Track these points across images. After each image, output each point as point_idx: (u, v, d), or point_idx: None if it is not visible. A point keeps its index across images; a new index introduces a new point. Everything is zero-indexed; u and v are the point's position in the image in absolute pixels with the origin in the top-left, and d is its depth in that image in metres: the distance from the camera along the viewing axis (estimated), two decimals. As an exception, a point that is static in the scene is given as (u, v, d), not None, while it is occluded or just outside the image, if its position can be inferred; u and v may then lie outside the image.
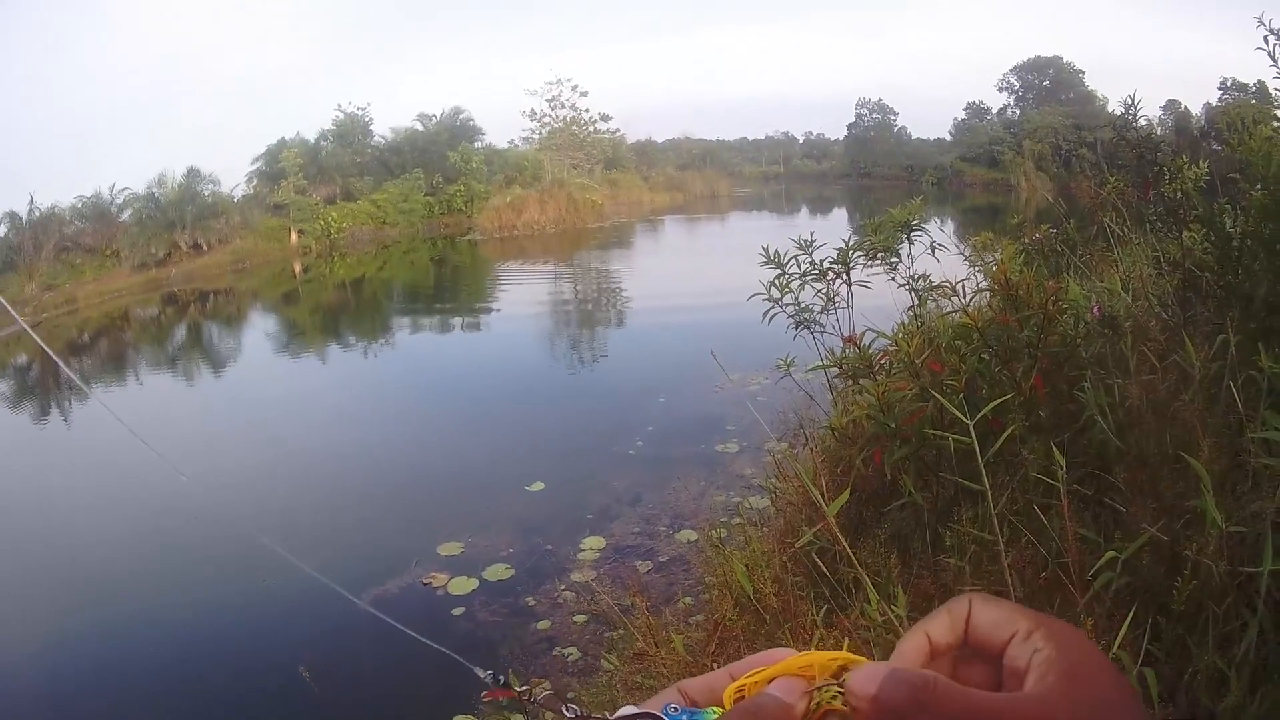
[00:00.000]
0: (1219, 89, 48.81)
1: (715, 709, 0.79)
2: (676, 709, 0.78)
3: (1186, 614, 3.16)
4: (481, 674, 0.82)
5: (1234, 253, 5.02)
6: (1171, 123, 45.53)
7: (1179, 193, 6.00)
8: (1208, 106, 48.58)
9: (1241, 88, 44.87)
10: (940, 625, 0.78)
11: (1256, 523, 3.14)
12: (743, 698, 0.77)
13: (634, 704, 0.79)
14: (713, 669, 0.82)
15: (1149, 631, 3.09)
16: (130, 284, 33.24)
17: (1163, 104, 48.50)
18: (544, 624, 7.70)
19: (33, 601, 8.91)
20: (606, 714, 0.76)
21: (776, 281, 7.40)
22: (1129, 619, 2.83)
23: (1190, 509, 3.44)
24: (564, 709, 0.79)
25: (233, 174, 44.57)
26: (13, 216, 31.86)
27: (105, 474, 12.49)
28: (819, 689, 0.76)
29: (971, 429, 3.39)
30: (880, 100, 76.96)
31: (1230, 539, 3.16)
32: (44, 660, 7.92)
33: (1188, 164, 6.12)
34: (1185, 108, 49.34)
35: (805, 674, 0.77)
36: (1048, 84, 65.21)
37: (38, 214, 32.76)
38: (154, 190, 37.42)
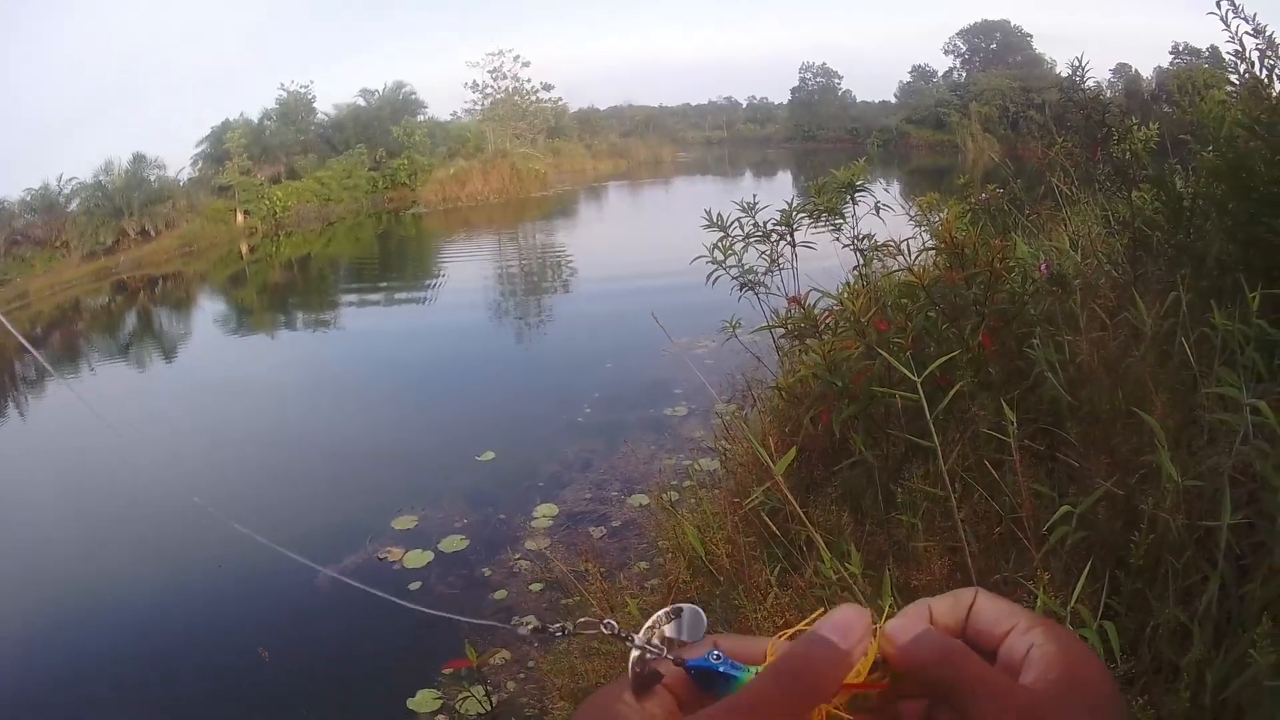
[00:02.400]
0: (1170, 53, 49.15)
1: (756, 667, 0.74)
2: (719, 657, 0.75)
3: (1145, 568, 3.20)
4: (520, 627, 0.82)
5: (1185, 212, 5.10)
6: (1121, 85, 45.87)
7: (1128, 153, 6.04)
8: (1159, 70, 48.91)
9: (1194, 52, 45.28)
10: (944, 605, 0.79)
11: (1213, 478, 3.17)
12: None
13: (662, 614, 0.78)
14: None
15: (1107, 586, 3.13)
16: (80, 274, 32.76)
17: (1112, 67, 48.86)
18: (500, 594, 7.70)
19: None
20: (663, 650, 0.76)
21: (720, 244, 7.42)
22: (1085, 573, 2.86)
23: (1145, 464, 3.51)
24: (602, 627, 0.78)
25: (180, 159, 43.99)
26: (-39, 213, 31.38)
27: (63, 461, 12.39)
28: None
29: (919, 386, 3.42)
30: (824, 64, 76.88)
31: (1187, 493, 3.20)
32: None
33: (1137, 125, 6.16)
34: (1135, 71, 49.77)
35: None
36: (994, 47, 65.31)
37: (-14, 210, 32.25)
38: (101, 179, 36.90)
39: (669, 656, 0.76)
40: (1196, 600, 3.03)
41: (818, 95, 76.59)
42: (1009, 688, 0.68)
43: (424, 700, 6.38)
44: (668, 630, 0.79)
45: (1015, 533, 3.54)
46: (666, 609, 0.79)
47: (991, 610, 0.77)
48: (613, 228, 38.40)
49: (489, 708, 5.05)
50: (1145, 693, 2.89)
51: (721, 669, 0.74)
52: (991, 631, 0.76)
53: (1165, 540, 3.18)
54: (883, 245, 7.37)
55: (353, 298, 25.63)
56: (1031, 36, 64.05)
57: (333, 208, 45.21)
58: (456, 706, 6.09)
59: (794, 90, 79.19)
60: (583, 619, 0.83)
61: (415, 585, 8.02)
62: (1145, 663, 3.06)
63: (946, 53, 67.75)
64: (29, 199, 35.21)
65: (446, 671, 6.42)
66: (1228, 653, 2.81)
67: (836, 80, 77.12)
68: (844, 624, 0.72)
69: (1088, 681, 0.69)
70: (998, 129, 55.07)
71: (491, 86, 58.91)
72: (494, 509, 9.27)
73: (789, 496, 3.40)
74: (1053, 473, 4.18)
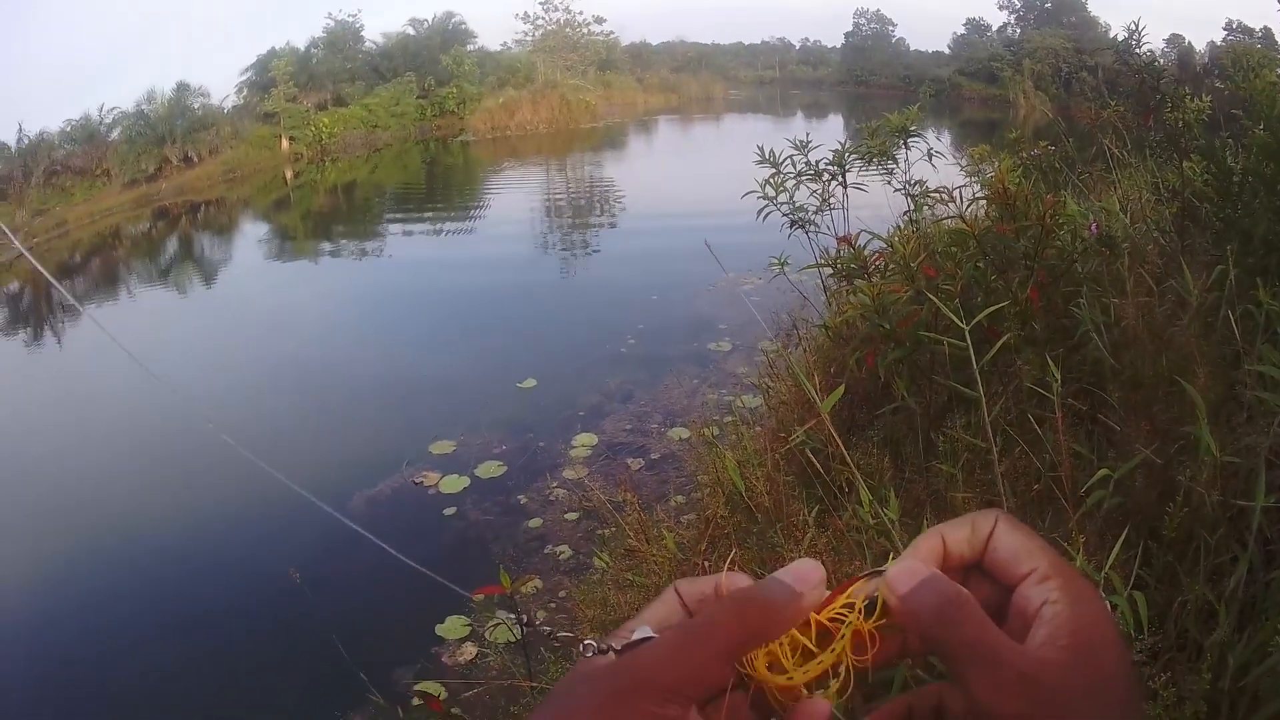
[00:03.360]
0: (1224, 29, 48.20)
1: None
2: None
3: (1178, 541, 3.15)
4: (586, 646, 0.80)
5: (1234, 188, 5.05)
6: (1175, 56, 45.14)
7: (1180, 123, 5.97)
8: (1211, 45, 48.05)
9: (1247, 31, 44.47)
10: (960, 535, 0.77)
11: (1250, 456, 3.11)
12: None
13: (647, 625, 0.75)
14: (704, 568, 0.81)
15: (1140, 556, 3.06)
16: (121, 201, 32.70)
17: (1166, 38, 48.05)
18: (535, 522, 7.73)
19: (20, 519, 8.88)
20: (614, 644, 0.73)
21: (772, 180, 7.34)
22: (1120, 541, 2.79)
23: (1184, 435, 3.42)
24: (582, 648, 0.75)
25: (223, 87, 43.90)
26: (1, 147, 31.40)
27: (95, 395, 12.41)
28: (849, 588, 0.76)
29: (967, 334, 3.35)
30: (879, 10, 76.03)
31: (1224, 469, 3.13)
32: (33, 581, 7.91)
33: (1190, 96, 6.09)
34: (1189, 43, 48.86)
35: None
36: (1049, 6, 64.28)
37: (26, 141, 32.16)
38: (143, 107, 36.58)
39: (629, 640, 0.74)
40: (1225, 580, 2.98)
41: (871, 41, 75.69)
42: (1007, 655, 0.67)
43: (453, 627, 6.40)
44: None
45: (1053, 490, 3.48)
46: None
47: (1011, 545, 0.75)
48: (661, 161, 38.18)
49: (519, 636, 5.02)
50: (1168, 669, 2.83)
51: None
52: (1010, 569, 0.74)
53: (1199, 515, 3.12)
54: (934, 191, 7.27)
55: (397, 225, 25.57)
56: (1087, -1, 63.20)
57: (379, 135, 45.14)
58: (486, 634, 6.09)
59: (847, 35, 78.28)
60: (564, 633, 0.90)
61: (450, 510, 8.06)
62: (1170, 638, 2.99)
63: (1001, 8, 66.81)
64: (69, 130, 35.01)
65: (477, 597, 6.43)
66: (1250, 638, 2.75)
67: (890, 28, 76.16)
68: (801, 571, 0.74)
69: (1097, 657, 0.66)
70: (1049, 87, 54.36)
71: (543, 18, 58.51)
72: (533, 437, 9.29)
73: (835, 436, 3.33)
74: (1092, 434, 4.13)
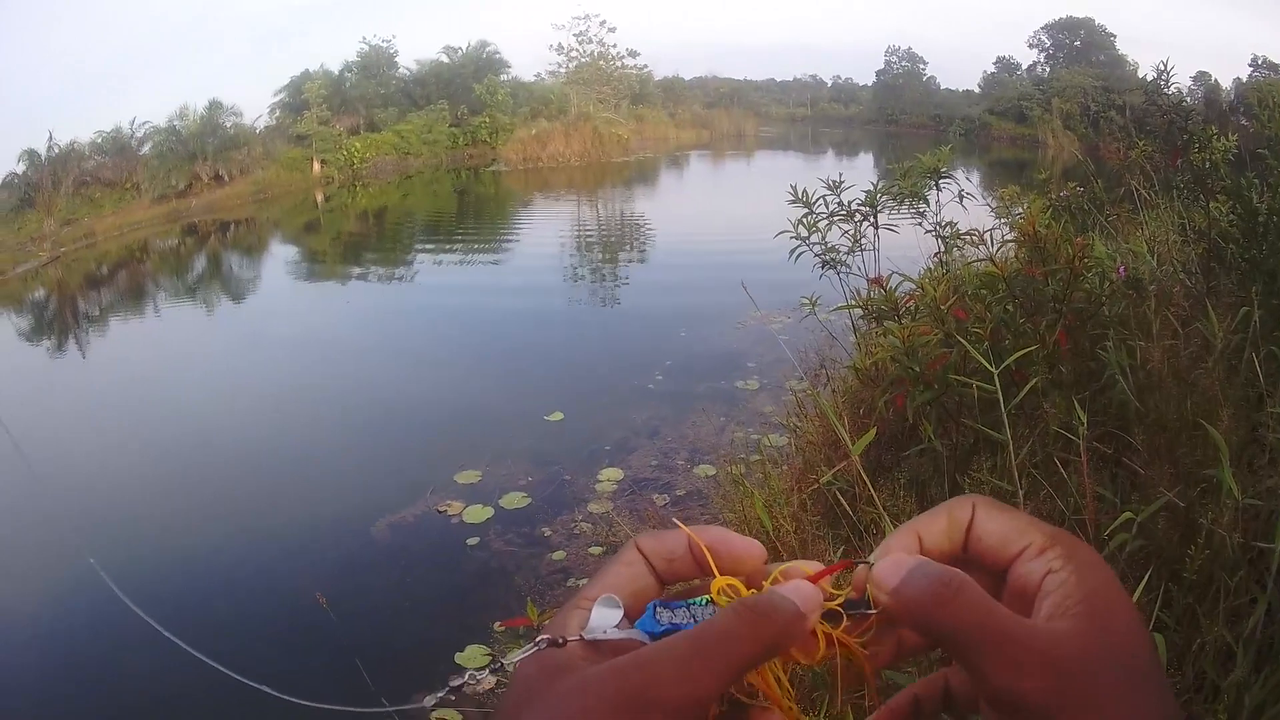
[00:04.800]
0: (1249, 65, 48.15)
1: (702, 598, 0.72)
2: (660, 612, 0.72)
3: (1198, 584, 3.14)
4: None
5: (1260, 228, 5.03)
6: (1201, 94, 45.03)
7: (1207, 163, 5.97)
8: (1237, 82, 47.93)
9: (1272, 66, 44.44)
10: (935, 528, 0.74)
11: (1271, 499, 3.14)
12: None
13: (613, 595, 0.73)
14: None
15: (1160, 598, 3.06)
16: (150, 216, 33.00)
17: (1193, 75, 47.95)
18: (559, 554, 7.70)
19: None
20: (580, 634, 0.70)
21: (804, 220, 7.37)
22: (1143, 583, 2.80)
23: (1207, 478, 3.43)
24: (536, 640, 0.70)
25: (255, 107, 44.23)
26: (31, 154, 31.55)
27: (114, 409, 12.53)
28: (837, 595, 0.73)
29: (997, 378, 3.36)
30: (909, 49, 76.17)
31: (1245, 511, 3.14)
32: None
33: (1216, 135, 6.09)
34: (1215, 80, 48.74)
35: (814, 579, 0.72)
36: (1078, 44, 64.18)
37: (56, 150, 32.45)
38: (175, 123, 36.95)
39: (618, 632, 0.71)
40: (1244, 622, 2.97)
41: (902, 79, 75.75)
42: (1019, 633, 0.62)
43: (472, 655, 6.39)
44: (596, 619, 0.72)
45: (1077, 534, 3.47)
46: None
47: (997, 527, 0.72)
48: (693, 197, 38.17)
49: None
50: (1185, 709, 2.84)
51: (679, 620, 0.71)
52: (999, 553, 0.71)
53: (1220, 557, 3.12)
54: (966, 234, 7.29)
55: (428, 252, 25.68)
56: (1115, 37, 63.11)
57: (411, 161, 45.39)
58: (507, 665, 6.08)
59: (879, 73, 78.44)
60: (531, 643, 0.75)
61: (473, 540, 8.04)
62: (1188, 679, 3.01)
63: (1030, 46, 66.84)
64: (100, 141, 35.32)
65: (501, 629, 6.43)
66: (1266, 680, 2.77)
67: (921, 66, 76.21)
68: (803, 592, 0.69)
69: (1113, 620, 0.63)
70: (1078, 127, 54.35)
71: (576, 50, 58.79)
72: (559, 469, 9.25)
73: (865, 478, 3.35)
74: (1116, 477, 4.13)
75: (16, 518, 8.65)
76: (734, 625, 0.65)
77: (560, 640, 0.68)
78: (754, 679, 0.69)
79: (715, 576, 0.73)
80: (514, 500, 8.64)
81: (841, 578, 0.74)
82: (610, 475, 9.04)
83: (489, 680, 5.96)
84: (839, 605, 0.72)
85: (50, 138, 32.25)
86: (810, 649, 0.70)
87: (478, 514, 8.44)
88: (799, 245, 7.32)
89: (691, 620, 0.70)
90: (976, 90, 70.83)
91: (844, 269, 7.51)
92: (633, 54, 60.48)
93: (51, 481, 9.63)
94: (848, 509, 4.23)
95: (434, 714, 5.65)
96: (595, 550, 7.63)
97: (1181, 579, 3.14)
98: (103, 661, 6.81)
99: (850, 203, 7.57)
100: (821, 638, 0.71)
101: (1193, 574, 3.06)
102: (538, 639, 0.70)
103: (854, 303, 6.08)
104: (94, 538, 8.26)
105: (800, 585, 0.70)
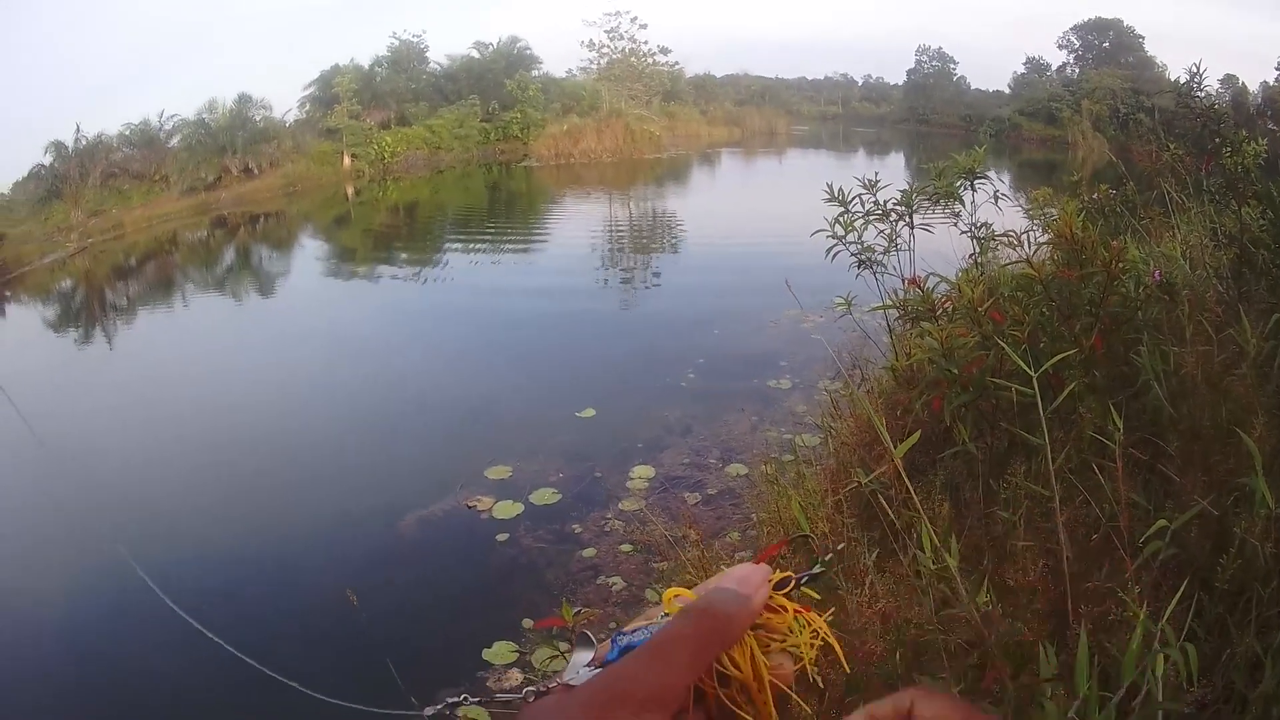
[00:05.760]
0: (1277, 69, 47.86)
1: (659, 615, 0.86)
2: (622, 638, 0.84)
3: (1229, 593, 3.14)
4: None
5: None
6: (1229, 97, 44.72)
7: (1239, 167, 5.92)
8: (1265, 86, 47.61)
9: (1299, 70, 44.13)
10: (884, 713, 0.80)
11: None
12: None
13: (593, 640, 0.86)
14: None
15: (1193, 607, 3.03)
16: (179, 208, 33.29)
17: (1220, 78, 47.64)
18: (589, 551, 7.69)
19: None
20: (564, 680, 0.81)
21: (840, 219, 7.33)
22: (1179, 594, 2.76)
23: (1240, 486, 3.41)
24: (525, 696, 0.83)
25: (284, 102, 44.45)
26: (58, 146, 31.84)
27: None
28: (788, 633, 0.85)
29: (1035, 382, 3.32)
30: (940, 49, 75.92)
31: (1278, 522, 3.12)
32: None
33: (1247, 140, 6.06)
34: (1243, 84, 48.43)
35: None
36: (1108, 45, 63.91)
37: (84, 142, 32.73)
38: (204, 116, 37.30)
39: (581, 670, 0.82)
40: (1274, 633, 2.97)
41: (933, 79, 75.46)
42: None
43: (500, 652, 6.37)
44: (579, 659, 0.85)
45: (1112, 540, 3.45)
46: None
47: (932, 713, 0.78)
48: (725, 195, 38.15)
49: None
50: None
51: (637, 639, 0.82)
52: None
53: (1253, 567, 3.12)
54: (1002, 235, 7.24)
55: (460, 247, 25.69)
56: (1144, 38, 62.81)
57: (443, 156, 45.48)
58: (534, 663, 6.06)
59: (909, 72, 78.19)
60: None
61: (502, 536, 8.04)
62: (1217, 690, 2.97)
63: (1060, 47, 66.55)
64: (128, 133, 35.58)
65: (534, 628, 6.41)
66: None
67: (952, 65, 75.93)
68: (743, 575, 0.85)
69: None
70: (1107, 128, 54.09)
71: (608, 46, 58.66)
72: (590, 466, 9.26)
73: (907, 481, 3.31)
74: (1149, 484, 4.08)
75: (46, 510, 8.69)
76: (681, 625, 0.79)
77: (544, 689, 0.80)
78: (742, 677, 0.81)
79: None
80: (544, 496, 8.64)
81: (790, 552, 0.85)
82: (642, 473, 9.03)
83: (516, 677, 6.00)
84: (791, 573, 0.87)
85: (78, 130, 32.53)
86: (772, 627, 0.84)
87: (508, 510, 8.45)
88: (835, 244, 7.28)
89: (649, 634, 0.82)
90: (1007, 91, 70.57)
91: (880, 269, 7.47)
92: (664, 51, 60.39)
93: (81, 474, 9.69)
94: (886, 509, 4.19)
95: (461, 713, 5.65)
96: (626, 548, 7.62)
97: (1213, 588, 3.13)
98: (131, 651, 6.87)
99: (886, 202, 7.52)
100: (791, 611, 0.86)
101: (1224, 583, 3.06)
102: (525, 690, 0.83)
103: (891, 303, 6.05)
104: (125, 529, 8.26)
105: (744, 567, 0.86)
